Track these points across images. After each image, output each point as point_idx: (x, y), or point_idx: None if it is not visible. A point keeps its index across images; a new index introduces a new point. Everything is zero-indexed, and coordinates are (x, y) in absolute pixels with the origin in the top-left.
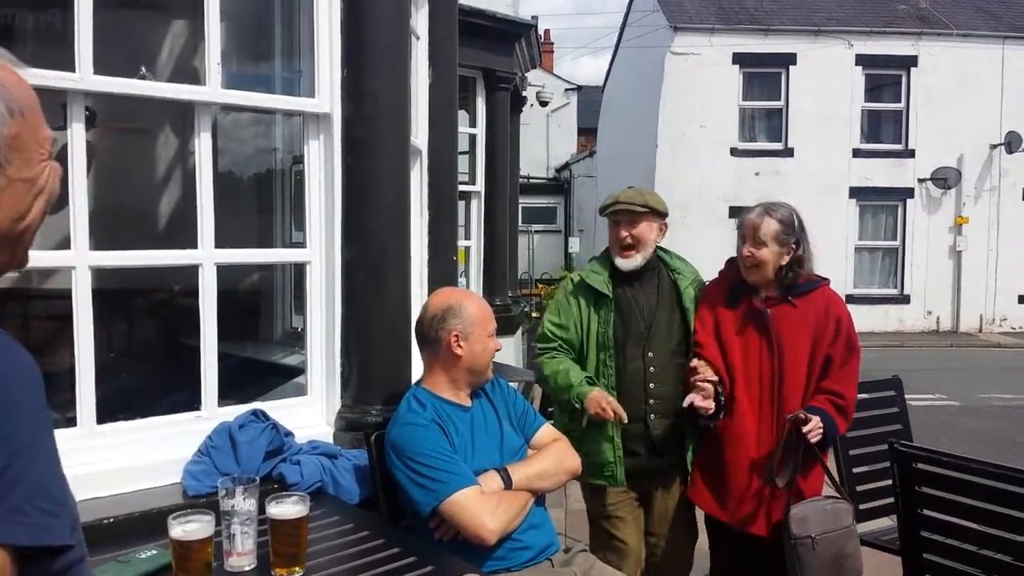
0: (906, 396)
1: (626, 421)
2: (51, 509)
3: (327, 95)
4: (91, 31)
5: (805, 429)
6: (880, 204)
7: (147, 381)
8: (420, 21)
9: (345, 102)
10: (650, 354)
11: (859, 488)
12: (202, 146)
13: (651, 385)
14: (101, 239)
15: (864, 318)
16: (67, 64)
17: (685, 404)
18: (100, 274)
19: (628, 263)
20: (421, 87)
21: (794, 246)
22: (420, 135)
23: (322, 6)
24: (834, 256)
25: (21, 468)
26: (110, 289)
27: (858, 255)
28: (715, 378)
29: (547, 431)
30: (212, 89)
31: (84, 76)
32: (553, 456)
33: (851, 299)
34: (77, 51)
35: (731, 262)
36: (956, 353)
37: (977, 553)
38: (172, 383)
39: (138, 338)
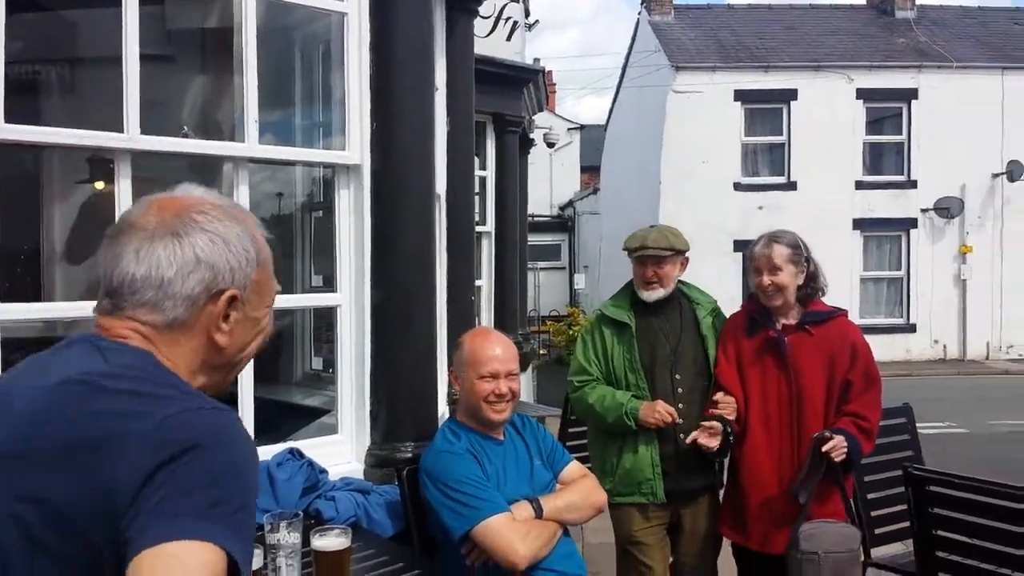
0: (918, 425)
1: (680, 421)
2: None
3: (357, 147)
4: (138, 94)
5: (826, 447)
6: (884, 235)
7: None
8: (439, 73)
9: (374, 153)
10: (677, 376)
11: (873, 513)
12: (240, 199)
13: (680, 405)
14: None
15: (872, 347)
16: (88, 114)
17: (688, 441)
18: None
19: (652, 295)
20: (440, 135)
21: (805, 264)
22: (440, 181)
23: (352, 62)
24: (840, 287)
25: (250, 512)
26: None
27: (863, 285)
28: (731, 416)
29: (575, 467)
30: (251, 145)
31: (133, 136)
32: (581, 491)
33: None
34: (125, 112)
35: (752, 296)
36: (964, 381)
37: (995, 572)
38: None
39: None
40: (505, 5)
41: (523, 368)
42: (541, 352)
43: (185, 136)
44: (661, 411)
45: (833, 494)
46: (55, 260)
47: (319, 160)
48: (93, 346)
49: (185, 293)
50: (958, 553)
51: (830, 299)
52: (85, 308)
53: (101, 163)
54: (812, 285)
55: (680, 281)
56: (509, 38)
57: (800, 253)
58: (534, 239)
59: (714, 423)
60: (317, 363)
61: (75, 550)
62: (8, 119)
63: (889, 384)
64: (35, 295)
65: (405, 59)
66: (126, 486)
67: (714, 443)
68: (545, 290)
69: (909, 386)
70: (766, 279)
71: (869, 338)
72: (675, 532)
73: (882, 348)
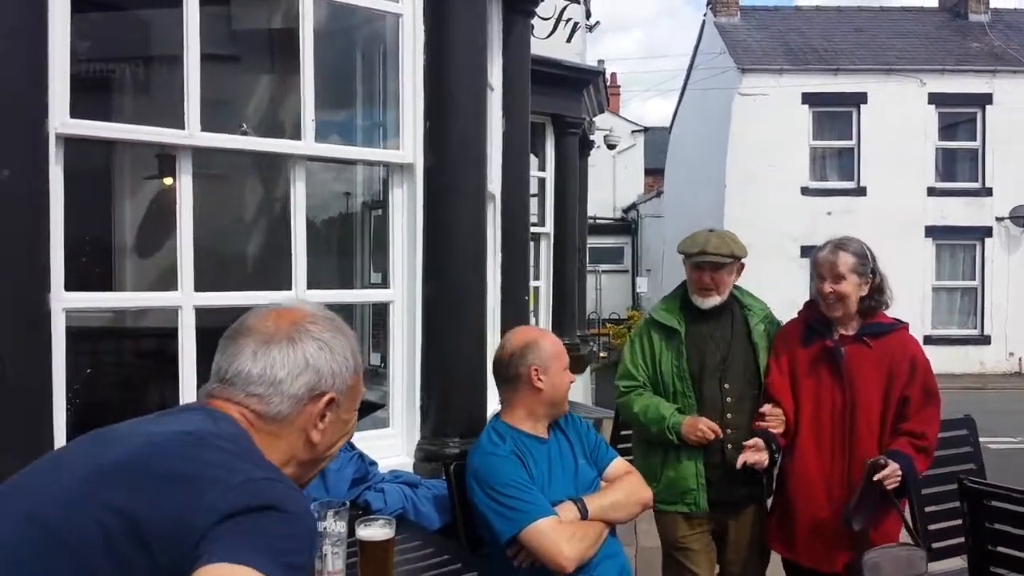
0: (986, 439)
1: (722, 436)
2: None
3: (411, 146)
4: (199, 91)
5: (879, 476)
6: (958, 243)
7: None
8: (495, 73)
9: (427, 152)
10: (726, 385)
11: (931, 527)
12: (297, 196)
13: (728, 415)
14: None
15: (943, 359)
16: (156, 111)
17: (738, 466)
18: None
19: (708, 302)
20: (495, 135)
21: (871, 275)
22: (494, 181)
23: (407, 63)
24: (911, 296)
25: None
26: (206, 327)
27: (936, 295)
28: (779, 429)
29: (619, 464)
30: (307, 143)
31: (193, 133)
32: (625, 488)
33: (929, 340)
34: (186, 109)
35: (809, 304)
36: None
37: None
38: None
39: None
40: (566, 7)
41: (581, 370)
42: (601, 355)
43: (244, 133)
44: (704, 428)
45: (890, 516)
46: (125, 252)
47: (373, 159)
48: (207, 413)
49: (292, 392)
50: (1014, 569)
51: (901, 307)
52: (152, 299)
53: (169, 159)
54: (876, 298)
55: (733, 285)
56: (570, 39)
57: (866, 263)
58: (596, 242)
59: (757, 439)
60: (375, 358)
61: (142, 564)
62: (80, 115)
63: (960, 396)
64: (106, 286)
65: (459, 59)
66: (198, 522)
67: (762, 458)
68: (607, 293)
69: (982, 399)
70: (828, 287)
71: (941, 349)
72: (720, 540)
73: (955, 360)
